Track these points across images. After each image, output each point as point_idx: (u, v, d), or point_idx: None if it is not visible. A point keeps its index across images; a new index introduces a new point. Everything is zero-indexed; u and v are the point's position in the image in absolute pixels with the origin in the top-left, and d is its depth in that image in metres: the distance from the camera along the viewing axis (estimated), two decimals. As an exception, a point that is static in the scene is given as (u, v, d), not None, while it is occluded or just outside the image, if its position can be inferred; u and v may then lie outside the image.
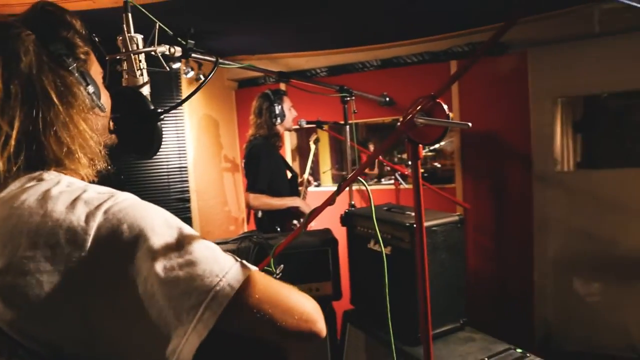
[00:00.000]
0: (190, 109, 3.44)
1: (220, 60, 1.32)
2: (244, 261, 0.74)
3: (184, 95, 3.35)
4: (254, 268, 0.74)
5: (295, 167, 3.93)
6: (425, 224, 1.91)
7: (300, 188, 3.20)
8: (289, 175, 3.16)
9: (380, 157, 3.16)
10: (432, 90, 3.38)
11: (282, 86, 3.50)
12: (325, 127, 3.14)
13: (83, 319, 0.67)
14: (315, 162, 3.22)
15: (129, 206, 0.72)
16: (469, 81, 3.30)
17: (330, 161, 5.93)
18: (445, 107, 1.09)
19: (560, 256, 3.32)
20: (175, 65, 2.84)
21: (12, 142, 0.73)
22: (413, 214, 2.07)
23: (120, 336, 0.69)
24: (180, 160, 3.33)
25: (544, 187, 3.32)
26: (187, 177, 3.35)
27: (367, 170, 6.36)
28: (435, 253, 1.92)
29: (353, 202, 2.56)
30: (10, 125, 0.73)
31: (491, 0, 2.72)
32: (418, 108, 1.10)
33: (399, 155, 4.88)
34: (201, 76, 3.29)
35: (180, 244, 0.70)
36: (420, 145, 1.14)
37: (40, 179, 0.74)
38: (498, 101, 3.28)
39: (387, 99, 2.79)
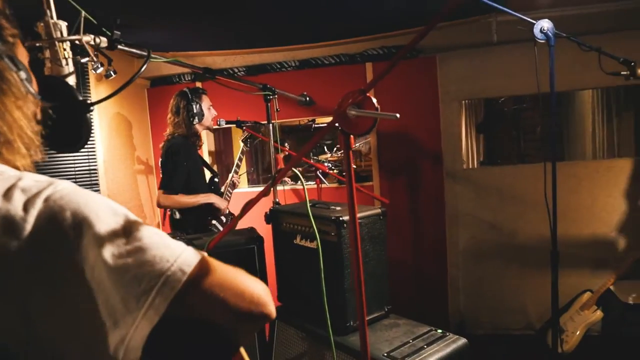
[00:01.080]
0: (99, 108, 3.27)
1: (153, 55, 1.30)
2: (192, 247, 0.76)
3: (93, 92, 3.17)
4: (204, 253, 0.75)
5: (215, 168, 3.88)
6: (360, 214, 2.02)
7: (224, 189, 3.18)
8: (208, 175, 3.12)
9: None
10: (348, 90, 3.54)
11: (198, 85, 3.46)
12: (245, 127, 3.15)
13: (24, 312, 0.64)
14: (246, 162, 3.22)
15: (71, 193, 0.70)
16: (384, 82, 3.49)
17: (246, 164, 5.92)
18: (374, 100, 1.18)
19: (469, 247, 3.63)
20: (84, 60, 2.69)
21: None
22: (338, 208, 2.17)
23: (65, 329, 0.66)
24: (89, 163, 3.15)
25: (454, 183, 3.61)
26: (97, 179, 3.17)
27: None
28: (361, 244, 2.03)
29: (277, 200, 2.60)
30: None
31: (405, 7, 2.93)
32: (350, 101, 1.17)
33: (315, 157, 5.00)
34: (111, 72, 3.13)
35: (128, 231, 0.69)
36: (352, 136, 1.22)
37: None
38: (411, 102, 3.51)
39: (307, 98, 2.88)
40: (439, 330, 1.95)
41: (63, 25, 1.08)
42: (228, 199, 3.16)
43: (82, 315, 0.67)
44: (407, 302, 3.43)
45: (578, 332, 3.16)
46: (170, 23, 2.89)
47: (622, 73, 2.27)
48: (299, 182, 4.63)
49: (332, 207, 2.20)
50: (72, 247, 0.66)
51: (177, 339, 0.79)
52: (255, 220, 2.54)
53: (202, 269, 0.71)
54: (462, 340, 1.87)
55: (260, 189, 4.32)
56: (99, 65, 3.04)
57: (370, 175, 3.68)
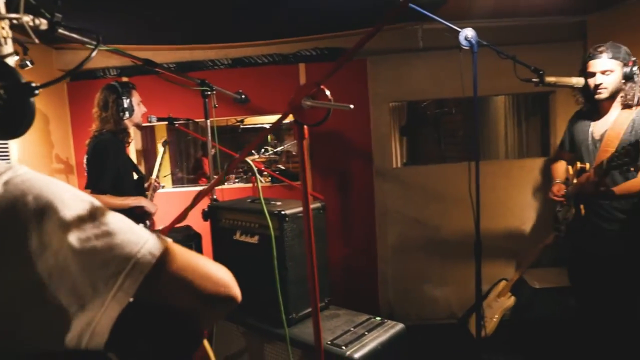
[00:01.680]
0: (13, 100, 3.04)
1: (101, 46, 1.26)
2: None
3: (7, 83, 2.94)
4: (168, 239, 0.77)
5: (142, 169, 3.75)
6: (292, 210, 2.07)
7: (147, 192, 3.08)
8: (135, 176, 3.02)
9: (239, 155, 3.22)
10: (282, 90, 3.62)
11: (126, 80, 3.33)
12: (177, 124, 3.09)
13: None
14: (171, 163, 3.14)
15: (33, 178, 0.69)
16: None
17: (170, 164, 5.76)
18: (328, 92, 1.25)
19: (397, 242, 3.82)
20: None
21: None
22: (279, 203, 2.21)
23: (28, 314, 0.65)
24: (1, 160, 2.91)
25: (383, 181, 3.79)
26: (11, 178, 2.94)
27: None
28: (301, 237, 2.08)
29: (215, 197, 2.58)
30: None
31: (339, 11, 3.04)
32: (304, 93, 1.23)
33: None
34: (27, 62, 2.93)
35: (94, 216, 0.70)
36: (305, 127, 1.28)
37: None
38: (343, 103, 3.62)
39: (243, 96, 2.89)
40: (378, 318, 2.06)
41: (0, 1, 1.03)
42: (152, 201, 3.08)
43: (46, 300, 0.66)
44: (340, 295, 3.54)
45: (495, 318, 3.45)
46: (95, 13, 2.76)
47: (533, 80, 2.53)
48: (236, 180, 4.58)
49: (273, 202, 2.23)
50: (34, 231, 0.65)
51: (143, 330, 0.79)
52: (189, 218, 2.50)
53: (170, 253, 0.74)
54: (400, 326, 2.00)
55: (184, 189, 4.25)
56: (14, 54, 2.85)
57: (298, 174, 3.76)
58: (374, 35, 1.34)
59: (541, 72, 2.51)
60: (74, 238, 0.66)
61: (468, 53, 2.37)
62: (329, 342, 1.85)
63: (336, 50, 3.56)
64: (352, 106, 1.15)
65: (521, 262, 3.61)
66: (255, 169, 1.68)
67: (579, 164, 2.52)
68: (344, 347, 1.79)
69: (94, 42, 1.34)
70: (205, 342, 0.99)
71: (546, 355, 3.21)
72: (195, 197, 1.32)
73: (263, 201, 1.71)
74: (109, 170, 2.67)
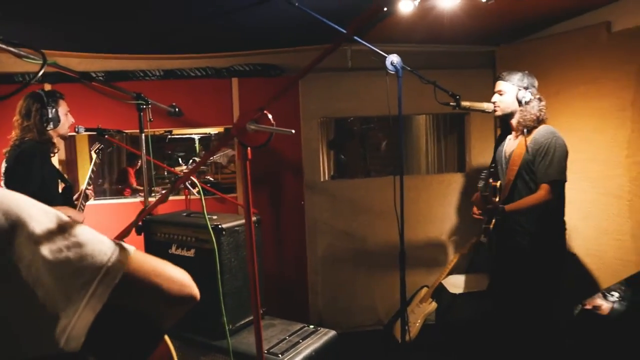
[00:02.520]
0: None
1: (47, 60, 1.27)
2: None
3: None
4: (133, 247, 0.83)
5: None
6: (228, 224, 2.15)
7: (76, 202, 2.99)
8: (62, 185, 2.93)
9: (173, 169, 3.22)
10: (215, 103, 3.67)
11: (48, 87, 3.21)
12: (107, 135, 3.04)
13: None
14: (94, 174, 3.05)
15: (2, 196, 0.72)
16: (250, 98, 3.68)
17: (94, 175, 5.53)
18: (270, 116, 1.36)
19: (327, 253, 3.99)
20: None
21: None
22: (215, 217, 2.28)
23: (5, 325, 0.69)
24: None
25: (313, 194, 3.94)
26: None
27: (136, 185, 6.17)
28: (237, 250, 2.17)
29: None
30: None
31: (272, 29, 3.17)
32: (249, 117, 1.33)
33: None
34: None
35: (63, 228, 0.75)
36: (249, 148, 1.38)
37: None
38: (275, 118, 3.74)
39: (177, 109, 2.91)
40: (311, 326, 2.19)
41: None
42: (81, 211, 3.00)
43: (21, 311, 0.69)
44: (273, 305, 3.63)
45: (418, 322, 3.71)
46: (15, 17, 2.67)
47: (450, 104, 2.80)
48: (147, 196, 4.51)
49: (209, 216, 2.29)
50: (5, 246, 0.69)
51: (108, 329, 0.86)
52: (114, 231, 2.48)
53: (137, 260, 0.81)
54: (332, 333, 2.14)
55: (109, 201, 4.13)
56: None
57: (233, 187, 3.81)
58: (323, 59, 1.47)
59: (458, 96, 2.79)
60: (45, 250, 0.70)
61: (394, 76, 2.58)
62: (266, 351, 1.95)
63: (269, 67, 3.68)
64: (293, 131, 1.28)
65: (440, 270, 3.91)
66: (198, 184, 1.74)
67: (491, 182, 2.81)
68: (280, 355, 1.90)
69: (36, 57, 1.36)
70: (166, 337, 1.05)
71: (465, 355, 3.50)
72: (140, 213, 1.37)
73: (206, 215, 1.77)
74: (35, 180, 2.57)
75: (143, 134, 2.53)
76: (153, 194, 4.59)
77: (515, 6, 2.36)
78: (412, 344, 3.57)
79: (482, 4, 2.32)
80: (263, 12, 2.80)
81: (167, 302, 0.85)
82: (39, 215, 0.74)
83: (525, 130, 2.66)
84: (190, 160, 5.36)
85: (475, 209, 2.96)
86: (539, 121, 2.65)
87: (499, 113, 2.73)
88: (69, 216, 2.38)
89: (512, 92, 2.67)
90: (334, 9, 2.70)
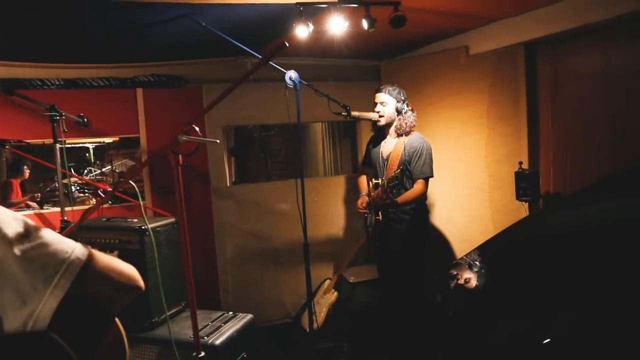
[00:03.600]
0: None
1: None
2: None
3: None
4: (89, 246, 1.02)
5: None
6: (151, 225, 2.39)
7: None
8: None
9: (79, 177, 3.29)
10: (120, 113, 3.84)
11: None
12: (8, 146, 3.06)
13: None
14: None
15: None
16: (155, 108, 3.87)
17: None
18: (197, 129, 1.67)
19: (235, 254, 4.28)
20: None
21: None
22: (135, 220, 2.49)
23: None
24: None
25: (219, 199, 4.21)
26: None
27: (20, 199, 5.87)
28: (159, 249, 2.41)
29: (66, 218, 2.69)
30: None
31: (176, 42, 3.41)
32: (180, 130, 1.63)
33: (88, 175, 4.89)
34: None
35: (30, 231, 0.94)
36: (180, 155, 1.68)
37: None
38: (181, 126, 3.96)
39: (85, 119, 3.02)
40: (230, 312, 2.50)
41: None
42: None
43: None
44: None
45: (323, 312, 4.14)
46: None
47: (342, 113, 3.26)
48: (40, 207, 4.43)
49: (129, 219, 2.50)
50: None
51: (69, 313, 1.01)
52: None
53: (92, 257, 1.01)
54: (249, 316, 2.47)
55: None
56: None
57: (143, 193, 3.95)
58: (254, 71, 1.81)
59: (348, 107, 3.26)
60: (17, 249, 0.89)
61: (292, 89, 2.95)
62: (191, 336, 2.22)
63: (174, 77, 3.89)
64: (218, 141, 1.61)
65: (340, 263, 4.39)
66: (136, 188, 1.97)
67: (373, 180, 3.32)
68: (206, 337, 2.19)
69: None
70: (117, 321, 1.29)
71: (366, 337, 3.99)
72: (82, 214, 1.60)
73: (145, 217, 2.00)
74: None
75: (58, 145, 2.64)
76: (46, 207, 4.50)
77: (392, 32, 2.88)
78: (318, 332, 3.99)
79: (365, 31, 2.81)
80: (170, 28, 3.04)
81: (118, 291, 1.06)
82: (9, 220, 0.92)
83: (403, 134, 3.21)
84: (86, 170, 5.30)
85: (359, 204, 3.44)
86: (412, 128, 3.23)
87: (382, 122, 3.24)
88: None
89: (392, 104, 3.21)
90: (233, 27, 3.03)
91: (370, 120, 3.33)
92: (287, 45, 1.61)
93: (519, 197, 3.44)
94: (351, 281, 4.23)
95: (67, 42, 3.24)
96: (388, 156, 3.28)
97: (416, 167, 3.15)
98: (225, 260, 4.23)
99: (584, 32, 3.12)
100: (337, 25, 2.77)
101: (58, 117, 2.66)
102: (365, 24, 2.75)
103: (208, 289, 4.14)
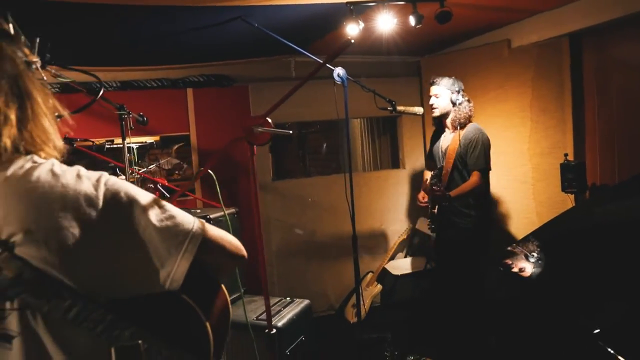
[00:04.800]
0: None
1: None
2: None
3: None
4: (204, 220, 1.18)
5: None
6: (215, 215, 2.58)
7: None
8: None
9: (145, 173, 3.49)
10: (171, 112, 4.04)
11: None
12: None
13: (101, 258, 0.99)
14: None
15: (118, 181, 1.06)
16: (204, 106, 4.09)
17: None
18: (270, 121, 1.84)
19: (280, 246, 4.46)
20: None
21: (14, 129, 0.98)
22: (199, 210, 2.69)
23: (128, 269, 1.03)
24: None
25: (265, 194, 4.40)
26: None
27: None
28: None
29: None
30: (11, 115, 0.98)
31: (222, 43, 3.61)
32: (255, 122, 1.80)
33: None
34: None
35: (159, 204, 1.09)
36: (255, 146, 1.85)
37: (34, 161, 1.00)
38: (229, 124, 4.18)
39: (144, 118, 3.24)
40: (288, 298, 2.67)
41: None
42: None
43: (140, 260, 1.05)
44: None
45: (367, 304, 4.28)
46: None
47: (388, 108, 3.38)
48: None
49: (193, 210, 2.70)
50: (129, 214, 1.04)
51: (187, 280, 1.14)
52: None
53: (209, 228, 1.16)
54: (306, 301, 2.63)
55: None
56: None
57: (194, 189, 4.18)
58: (320, 69, 1.96)
59: (394, 102, 3.38)
60: (154, 219, 1.05)
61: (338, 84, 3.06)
62: (255, 319, 2.40)
63: (222, 77, 4.10)
64: (291, 132, 1.77)
65: (383, 256, 4.52)
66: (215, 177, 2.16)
67: (433, 173, 3.41)
68: (269, 319, 2.35)
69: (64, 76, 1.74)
70: (222, 286, 1.43)
71: (409, 329, 4.11)
72: (170, 199, 1.79)
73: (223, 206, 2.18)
74: None
75: (126, 144, 2.87)
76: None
77: (436, 27, 3.00)
78: (363, 324, 4.13)
79: (411, 27, 2.93)
80: (216, 31, 3.22)
81: (228, 258, 1.20)
82: (143, 196, 1.08)
83: (458, 127, 3.30)
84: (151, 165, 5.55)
85: (420, 198, 3.55)
86: (469, 119, 3.30)
87: (436, 114, 3.33)
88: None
89: (446, 95, 3.29)
90: (282, 27, 3.21)
91: (415, 114, 3.44)
92: (353, 42, 1.75)
93: (564, 189, 3.50)
94: (395, 273, 4.36)
95: (120, 46, 3.48)
96: (446, 149, 3.35)
97: (470, 159, 3.20)
98: (271, 253, 4.42)
99: (629, 21, 3.16)
100: (385, 22, 2.91)
101: (126, 116, 2.88)
102: (412, 20, 2.88)
103: (255, 281, 4.32)
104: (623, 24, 3.23)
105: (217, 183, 1.93)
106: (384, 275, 4.44)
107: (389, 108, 3.36)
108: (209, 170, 1.98)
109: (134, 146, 7.07)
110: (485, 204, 3.38)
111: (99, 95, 1.58)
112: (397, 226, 4.72)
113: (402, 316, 4.23)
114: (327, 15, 3.06)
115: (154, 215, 1.04)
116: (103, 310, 0.95)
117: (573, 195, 3.54)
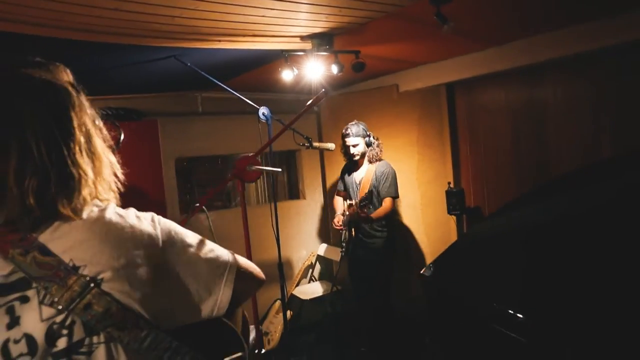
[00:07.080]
0: None
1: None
2: None
3: None
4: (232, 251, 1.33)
5: None
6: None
7: None
8: None
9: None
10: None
11: None
12: None
13: (167, 290, 1.11)
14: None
15: (166, 220, 1.20)
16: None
17: None
18: (259, 160, 2.14)
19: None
20: None
21: (90, 184, 1.08)
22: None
23: (183, 299, 1.14)
24: None
25: (173, 229, 4.46)
26: None
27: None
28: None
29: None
30: (88, 171, 1.07)
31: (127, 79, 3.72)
32: (248, 161, 2.09)
33: None
34: None
35: (201, 241, 1.24)
36: (244, 182, 2.13)
37: (98, 205, 1.10)
38: (139, 158, 4.21)
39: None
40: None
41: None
42: None
43: (192, 290, 1.15)
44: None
45: (278, 331, 4.56)
46: None
47: (305, 144, 3.80)
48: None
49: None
50: (181, 250, 1.19)
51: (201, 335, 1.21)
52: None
53: (239, 259, 1.34)
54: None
55: None
56: None
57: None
58: (304, 114, 2.30)
59: (310, 138, 3.83)
60: (201, 253, 1.19)
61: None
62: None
63: (131, 111, 4.14)
64: (279, 170, 2.10)
65: (292, 283, 4.87)
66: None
67: (348, 201, 3.97)
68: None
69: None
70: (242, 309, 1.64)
71: (320, 350, 4.49)
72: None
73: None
74: None
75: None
76: None
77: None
78: (276, 350, 4.38)
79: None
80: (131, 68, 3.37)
81: (255, 282, 1.38)
82: (188, 233, 1.23)
83: (375, 161, 3.93)
84: None
85: (335, 222, 4.04)
86: (380, 155, 3.97)
87: (357, 157, 3.95)
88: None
89: (361, 142, 3.91)
90: (212, 65, 3.48)
91: (328, 149, 3.94)
92: (327, 94, 2.15)
93: (450, 211, 4.31)
94: (302, 298, 4.73)
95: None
96: (361, 181, 3.96)
97: (383, 188, 3.87)
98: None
99: (489, 77, 4.11)
100: (312, 69, 3.37)
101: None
102: (334, 68, 3.39)
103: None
104: (485, 78, 4.17)
105: (209, 219, 2.14)
106: (291, 301, 4.78)
107: (306, 144, 3.79)
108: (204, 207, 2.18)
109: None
110: (390, 226, 4.02)
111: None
112: (301, 253, 5.12)
113: (313, 338, 4.60)
114: (261, 57, 3.42)
115: (200, 249, 1.17)
116: (170, 338, 1.06)
117: (455, 217, 4.37)
